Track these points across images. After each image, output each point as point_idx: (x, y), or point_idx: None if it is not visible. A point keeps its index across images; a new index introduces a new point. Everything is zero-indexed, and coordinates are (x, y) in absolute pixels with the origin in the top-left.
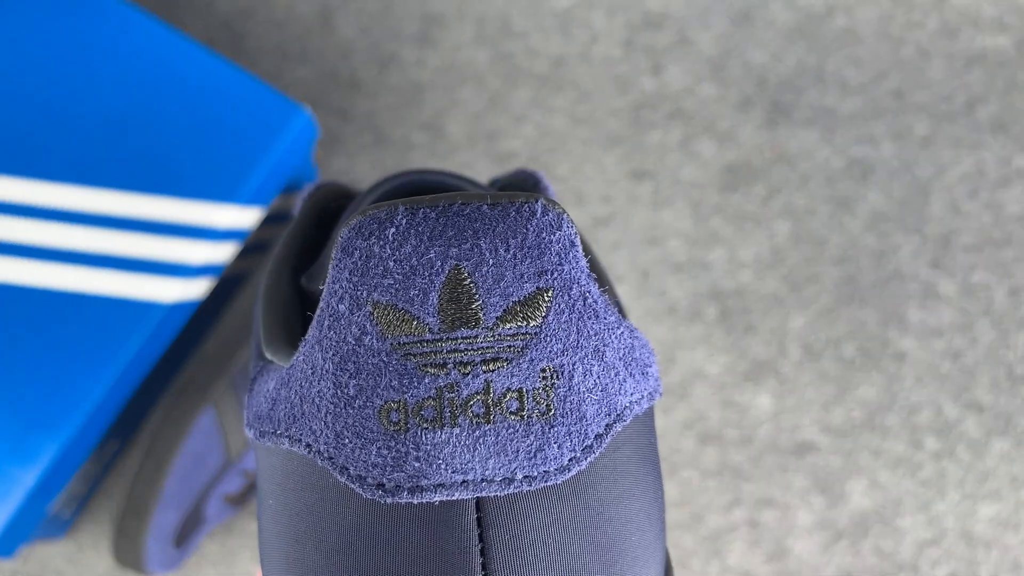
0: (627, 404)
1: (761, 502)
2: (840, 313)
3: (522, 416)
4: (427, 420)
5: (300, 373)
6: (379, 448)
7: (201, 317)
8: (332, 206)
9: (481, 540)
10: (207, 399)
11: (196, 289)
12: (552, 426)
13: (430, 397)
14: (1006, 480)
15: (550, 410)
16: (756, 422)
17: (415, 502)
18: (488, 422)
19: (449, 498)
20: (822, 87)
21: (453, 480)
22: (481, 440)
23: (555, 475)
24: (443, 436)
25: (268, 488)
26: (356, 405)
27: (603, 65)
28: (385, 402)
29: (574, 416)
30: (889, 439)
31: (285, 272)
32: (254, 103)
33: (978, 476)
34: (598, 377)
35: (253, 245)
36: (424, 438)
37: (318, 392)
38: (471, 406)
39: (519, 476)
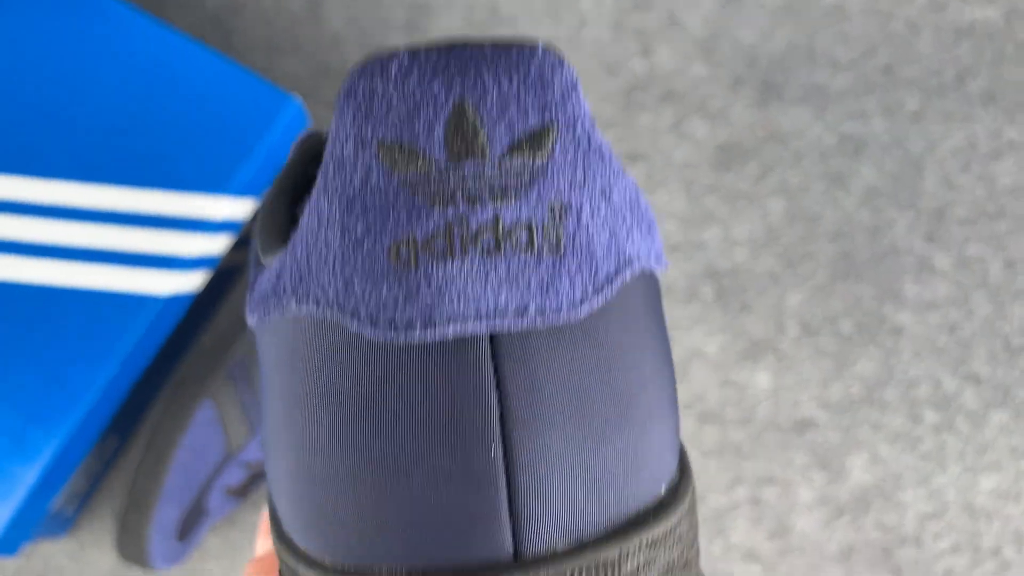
0: (635, 254)
1: (762, 480)
2: (836, 289)
3: (532, 250)
4: (437, 253)
5: (306, 229)
6: (390, 285)
7: (198, 311)
8: (323, 151)
9: (497, 375)
10: (205, 392)
11: (192, 282)
12: (562, 260)
13: (439, 231)
14: (1006, 451)
15: (560, 245)
16: (755, 400)
17: (428, 339)
18: (499, 253)
19: (463, 332)
20: (812, 65)
21: (466, 313)
22: (492, 271)
23: (568, 311)
24: (454, 268)
25: (273, 365)
26: (365, 246)
27: (593, 48)
28: (394, 240)
29: (584, 253)
30: (888, 413)
31: (280, 201)
32: (244, 94)
33: (978, 448)
34: (606, 218)
35: (247, 237)
36: (435, 271)
37: (325, 242)
38: (480, 238)
39: (532, 309)
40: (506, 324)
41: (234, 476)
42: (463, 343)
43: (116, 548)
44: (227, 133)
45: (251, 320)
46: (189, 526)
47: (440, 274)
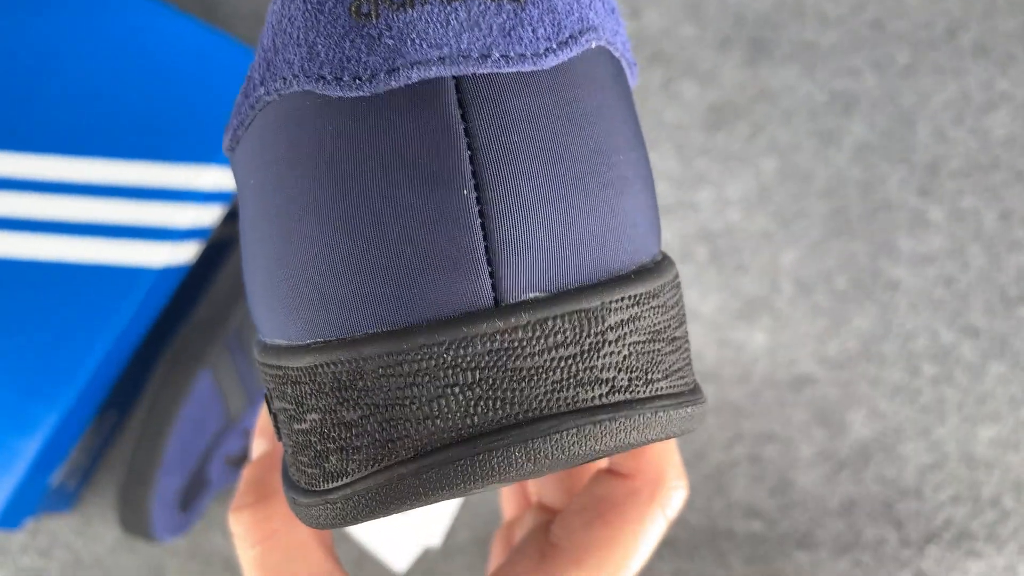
0: (599, 24)
1: (762, 437)
2: (830, 246)
3: None
4: (397, 3)
5: (270, 16)
6: (352, 40)
7: (193, 283)
8: None
9: (464, 119)
10: (203, 363)
11: (185, 253)
12: (523, 8)
13: None
14: (1004, 401)
15: None
16: (752, 359)
17: (393, 85)
18: None
19: (427, 75)
20: (801, 21)
21: (429, 57)
22: (453, 16)
23: (532, 60)
24: (414, 14)
25: (246, 174)
26: (327, 9)
27: None
28: None
29: (545, 5)
30: (886, 368)
31: None
32: (231, 63)
33: (976, 399)
34: None
35: (238, 210)
36: (395, 18)
37: (289, 18)
38: None
39: (495, 53)
40: (470, 68)
41: (234, 445)
42: (428, 89)
43: (119, 521)
44: (215, 102)
45: (226, 144)
46: (191, 497)
47: (401, 21)
